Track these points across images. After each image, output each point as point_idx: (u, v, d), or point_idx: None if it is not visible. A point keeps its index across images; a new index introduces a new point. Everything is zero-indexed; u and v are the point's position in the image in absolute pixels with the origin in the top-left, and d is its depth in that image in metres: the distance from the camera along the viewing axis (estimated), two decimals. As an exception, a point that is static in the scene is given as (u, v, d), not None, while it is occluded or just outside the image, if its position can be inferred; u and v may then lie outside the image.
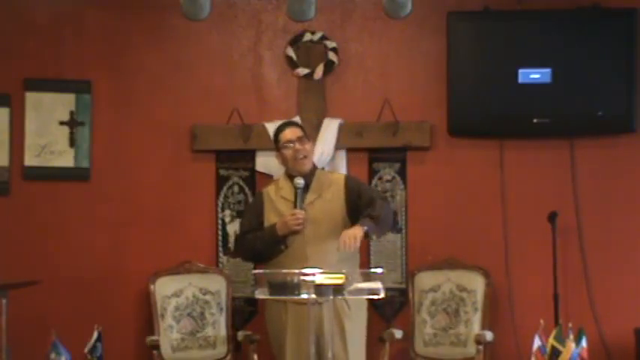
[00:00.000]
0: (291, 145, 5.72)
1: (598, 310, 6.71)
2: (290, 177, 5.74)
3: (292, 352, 5.56)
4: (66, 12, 6.89)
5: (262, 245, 5.68)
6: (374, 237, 5.74)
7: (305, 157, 5.71)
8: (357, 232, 5.48)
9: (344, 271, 5.14)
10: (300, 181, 5.65)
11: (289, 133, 5.76)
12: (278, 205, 5.70)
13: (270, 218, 5.72)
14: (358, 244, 5.49)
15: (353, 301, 5.57)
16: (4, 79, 6.81)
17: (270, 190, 5.84)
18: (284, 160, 5.78)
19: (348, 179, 5.84)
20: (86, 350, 5.64)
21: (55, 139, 6.83)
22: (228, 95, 6.90)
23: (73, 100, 6.86)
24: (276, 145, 5.83)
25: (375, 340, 6.27)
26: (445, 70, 6.79)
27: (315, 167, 5.84)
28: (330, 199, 5.71)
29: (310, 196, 5.69)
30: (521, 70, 6.71)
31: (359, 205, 5.70)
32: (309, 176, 5.73)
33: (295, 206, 5.62)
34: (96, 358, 5.64)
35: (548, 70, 6.70)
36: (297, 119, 6.76)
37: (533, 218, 6.70)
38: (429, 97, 6.85)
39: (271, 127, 6.81)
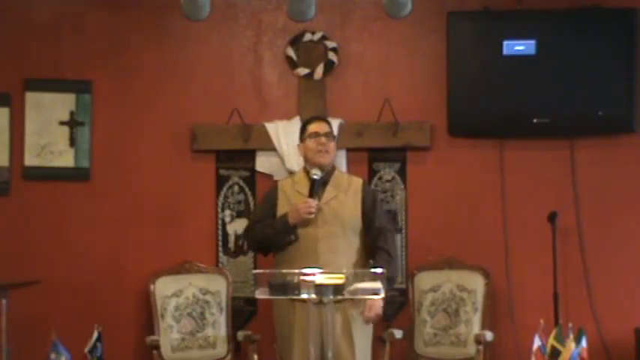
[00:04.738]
0: (317, 137, 5.73)
1: (598, 310, 6.71)
2: (307, 172, 5.75)
3: (300, 352, 5.56)
4: (66, 12, 6.89)
5: (273, 233, 5.69)
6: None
7: (327, 152, 5.74)
8: (379, 305, 5.66)
9: (344, 270, 5.16)
10: (316, 172, 5.68)
11: (318, 126, 5.79)
12: (292, 199, 5.72)
13: (282, 211, 5.73)
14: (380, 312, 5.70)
15: (359, 301, 5.58)
16: (4, 79, 6.81)
17: (285, 184, 5.87)
18: (305, 152, 5.79)
19: (365, 186, 5.89)
20: (86, 350, 5.64)
21: (55, 139, 6.83)
22: (228, 95, 6.90)
23: (73, 100, 6.86)
24: (301, 135, 5.85)
25: (375, 340, 6.26)
26: (445, 70, 6.79)
27: (333, 168, 5.85)
28: (347, 200, 5.75)
29: (327, 195, 5.72)
30: (521, 69, 6.72)
31: (367, 219, 5.75)
32: (327, 175, 5.76)
33: (310, 196, 5.63)
34: (96, 358, 5.64)
35: (547, 70, 6.70)
36: (297, 119, 6.76)
37: (533, 218, 6.70)
38: (429, 97, 6.85)
39: (271, 127, 6.83)
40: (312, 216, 5.61)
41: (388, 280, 5.61)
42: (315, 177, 5.68)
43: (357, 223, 5.73)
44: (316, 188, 5.67)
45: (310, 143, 5.76)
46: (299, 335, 5.57)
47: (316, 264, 5.37)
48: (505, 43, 6.74)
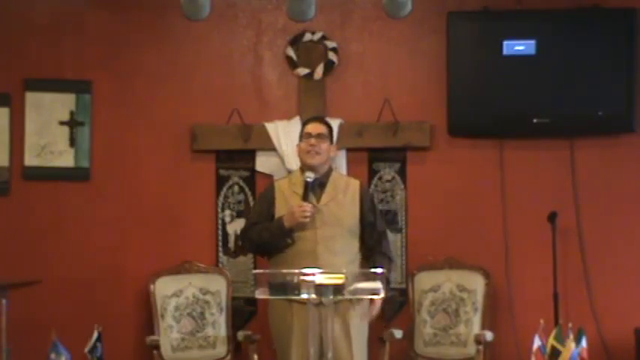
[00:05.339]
0: (308, 138, 5.74)
1: (598, 310, 6.71)
2: (303, 172, 5.76)
3: (298, 353, 5.56)
4: (66, 12, 6.89)
5: (269, 236, 5.68)
6: None
7: (317, 153, 5.72)
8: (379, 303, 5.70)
9: (344, 270, 5.16)
10: (310, 174, 5.68)
11: (311, 127, 5.78)
12: (290, 200, 5.71)
13: (280, 211, 5.72)
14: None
15: (357, 301, 5.58)
16: (4, 79, 6.82)
17: (282, 184, 5.86)
18: (298, 152, 5.81)
19: (362, 188, 5.88)
20: (86, 350, 5.64)
21: (55, 139, 6.83)
22: (228, 95, 6.90)
23: (73, 100, 6.86)
24: (299, 135, 5.87)
25: (375, 340, 6.27)
26: (445, 70, 6.79)
27: (330, 169, 5.83)
28: (345, 202, 5.74)
29: (325, 197, 5.72)
30: (521, 69, 6.72)
31: (367, 221, 5.76)
32: (324, 177, 5.75)
33: (304, 199, 5.63)
34: (96, 358, 5.64)
35: (547, 70, 6.70)
36: (297, 119, 6.76)
37: (533, 218, 6.70)
38: (429, 97, 6.85)
39: (271, 127, 6.83)
40: (308, 219, 5.60)
41: (387, 281, 5.63)
42: (308, 180, 5.67)
43: (355, 225, 5.72)
44: (310, 191, 5.66)
45: (302, 144, 5.77)
46: (297, 336, 5.56)
47: (315, 265, 5.36)
48: (505, 43, 6.74)
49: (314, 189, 5.71)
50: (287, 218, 5.63)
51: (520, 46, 6.73)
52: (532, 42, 6.71)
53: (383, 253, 5.74)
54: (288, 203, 5.70)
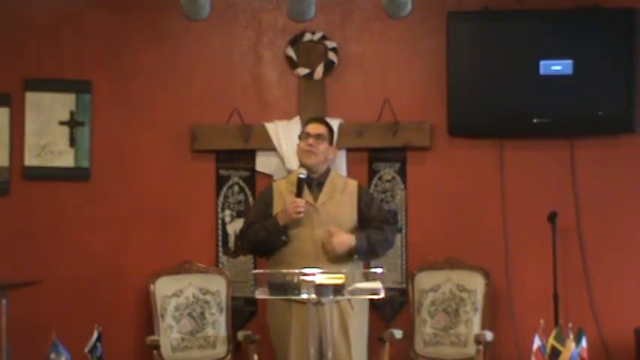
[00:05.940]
0: (307, 138, 5.75)
1: (598, 310, 6.71)
2: None
3: (297, 353, 5.56)
4: (66, 12, 6.89)
5: (265, 235, 5.70)
6: (356, 257, 5.72)
7: (313, 153, 5.73)
8: (349, 242, 5.64)
9: (344, 271, 5.16)
10: (302, 171, 5.70)
11: (311, 127, 5.82)
12: (288, 199, 5.72)
13: (278, 211, 5.74)
14: (341, 252, 5.64)
15: (356, 301, 5.59)
16: (4, 79, 6.81)
17: (280, 184, 5.89)
18: (297, 152, 5.83)
19: (361, 188, 5.90)
20: (86, 350, 5.64)
21: (55, 139, 6.83)
22: (228, 95, 6.90)
23: (73, 100, 6.86)
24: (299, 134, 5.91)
25: (375, 340, 6.27)
26: (445, 70, 6.79)
27: (329, 170, 5.85)
28: (343, 202, 5.77)
29: (323, 197, 5.74)
30: (520, 71, 6.73)
31: (366, 218, 5.77)
32: (322, 177, 5.78)
33: (297, 195, 5.64)
34: (96, 358, 5.64)
35: (547, 70, 6.70)
36: (297, 119, 6.76)
37: (533, 218, 6.70)
38: (429, 97, 6.85)
39: (271, 127, 6.83)
40: (301, 215, 5.62)
41: (368, 246, 5.66)
42: (301, 176, 5.69)
43: (352, 224, 5.73)
44: (303, 187, 5.68)
45: (301, 143, 5.80)
46: (297, 336, 5.56)
47: (313, 265, 5.37)
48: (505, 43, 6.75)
49: (312, 188, 5.72)
50: (281, 215, 5.65)
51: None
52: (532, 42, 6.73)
53: (377, 227, 5.76)
54: (285, 202, 5.71)
